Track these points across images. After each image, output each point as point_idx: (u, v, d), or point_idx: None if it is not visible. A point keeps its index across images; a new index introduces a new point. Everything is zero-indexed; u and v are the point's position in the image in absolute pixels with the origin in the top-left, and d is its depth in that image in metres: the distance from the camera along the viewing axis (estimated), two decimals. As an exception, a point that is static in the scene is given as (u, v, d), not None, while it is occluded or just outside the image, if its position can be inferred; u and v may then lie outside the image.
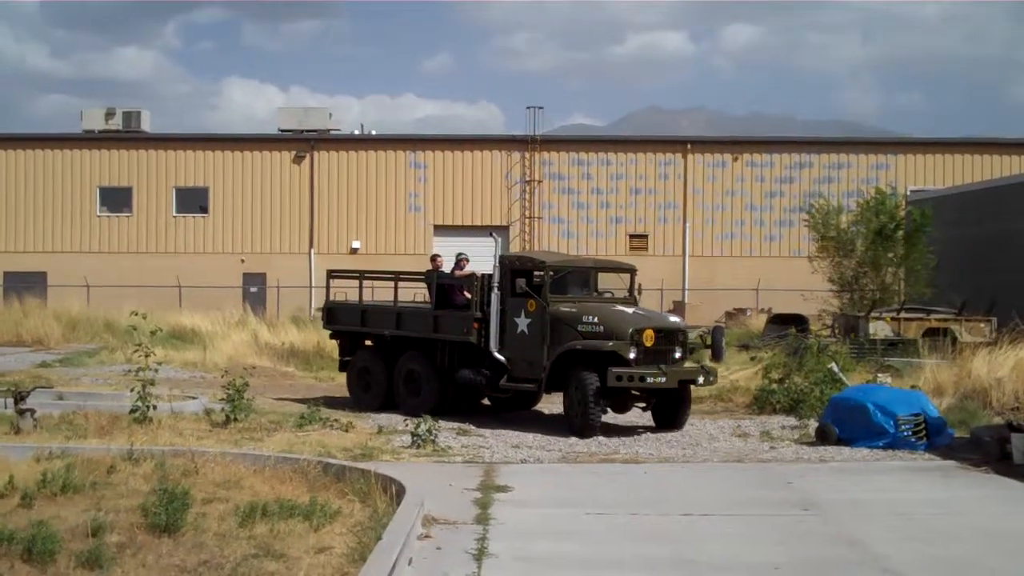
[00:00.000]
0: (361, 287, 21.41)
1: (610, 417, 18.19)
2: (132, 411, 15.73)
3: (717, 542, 10.02)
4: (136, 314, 16.20)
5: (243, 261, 50.81)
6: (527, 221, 50.80)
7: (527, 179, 51.10)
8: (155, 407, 15.99)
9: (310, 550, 9.12)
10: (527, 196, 51.02)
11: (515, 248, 50.19)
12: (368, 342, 20.99)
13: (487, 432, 17.25)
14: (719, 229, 50.94)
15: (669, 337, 17.61)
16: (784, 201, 50.80)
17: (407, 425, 16.49)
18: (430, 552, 9.40)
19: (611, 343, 17.07)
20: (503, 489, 12.36)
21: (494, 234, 20.53)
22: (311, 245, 51.11)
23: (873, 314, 28.84)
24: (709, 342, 18.58)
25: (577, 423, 17.16)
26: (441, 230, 50.66)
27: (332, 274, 22.27)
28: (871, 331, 27.53)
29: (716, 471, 14.18)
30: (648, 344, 17.07)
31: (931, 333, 26.89)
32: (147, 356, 15.52)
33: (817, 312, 34.71)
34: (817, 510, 11.55)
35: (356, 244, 50.67)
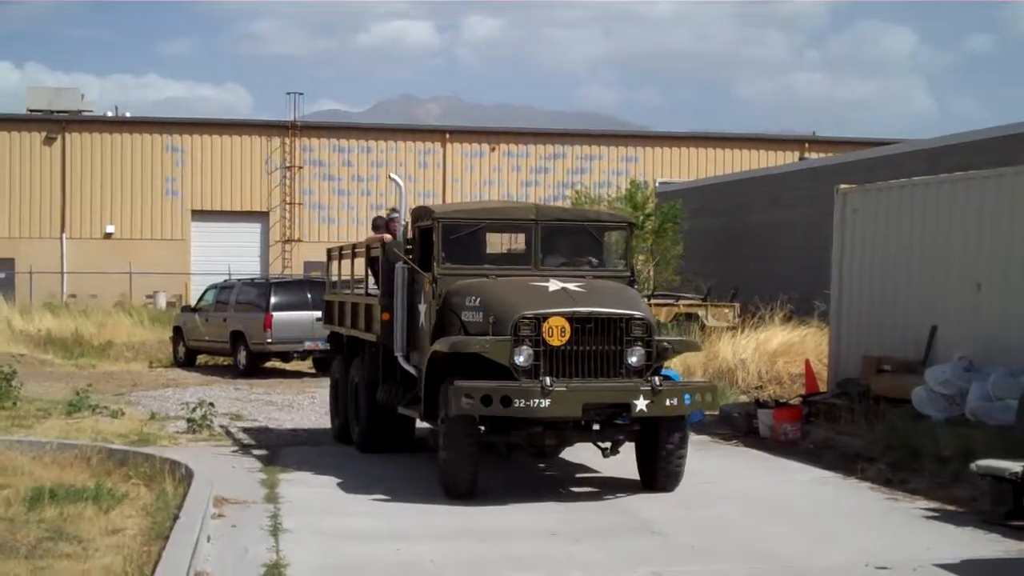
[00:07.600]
0: (339, 271, 15.72)
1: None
2: None
3: (498, 513, 10.64)
4: None
5: (-11, 247, 48.72)
6: (288, 207, 50.53)
7: (287, 165, 50.80)
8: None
9: (103, 532, 9.25)
10: (288, 182, 50.71)
11: (275, 236, 49.96)
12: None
13: (261, 417, 17.43)
14: (477, 217, 51.91)
15: (601, 331, 11.01)
16: (540, 191, 52.04)
17: (181, 410, 16.55)
18: (226, 529, 9.68)
19: (477, 341, 10.99)
20: (287, 470, 12.66)
21: (393, 176, 14.85)
22: (63, 230, 49.35)
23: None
24: None
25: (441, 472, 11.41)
26: (200, 215, 49.79)
27: (333, 256, 16.00)
28: (625, 316, 28.61)
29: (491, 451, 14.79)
30: (555, 342, 10.83)
31: (680, 318, 28.22)
32: None
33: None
34: (588, 484, 12.32)
35: (110, 228, 49.21)
